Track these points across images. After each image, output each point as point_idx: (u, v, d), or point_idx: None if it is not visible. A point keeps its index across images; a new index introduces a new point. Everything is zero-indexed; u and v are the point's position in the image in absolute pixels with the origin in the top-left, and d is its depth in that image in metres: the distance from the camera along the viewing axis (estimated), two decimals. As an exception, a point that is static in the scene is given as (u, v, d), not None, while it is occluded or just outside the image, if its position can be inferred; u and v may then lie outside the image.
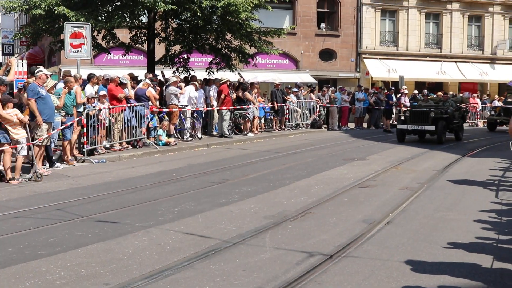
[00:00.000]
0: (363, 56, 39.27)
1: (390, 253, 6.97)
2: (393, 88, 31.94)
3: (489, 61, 42.69)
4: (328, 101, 28.04)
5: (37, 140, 12.62)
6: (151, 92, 17.99)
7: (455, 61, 41.39)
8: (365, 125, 29.67)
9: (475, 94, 37.38)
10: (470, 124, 34.03)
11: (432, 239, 7.64)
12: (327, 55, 39.04)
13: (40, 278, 5.97)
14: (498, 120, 29.53)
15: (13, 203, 9.88)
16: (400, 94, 29.38)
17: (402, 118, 21.45)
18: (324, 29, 39.01)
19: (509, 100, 31.13)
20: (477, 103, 35.23)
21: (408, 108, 22.22)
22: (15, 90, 15.82)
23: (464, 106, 26.97)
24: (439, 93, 29.91)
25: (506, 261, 6.68)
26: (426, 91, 29.41)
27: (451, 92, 29.22)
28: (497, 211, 9.52)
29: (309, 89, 28.56)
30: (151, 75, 19.83)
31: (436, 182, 12.50)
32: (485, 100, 36.85)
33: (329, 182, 12.21)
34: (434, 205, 9.97)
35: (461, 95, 33.31)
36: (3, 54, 48.09)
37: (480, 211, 9.45)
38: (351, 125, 29.13)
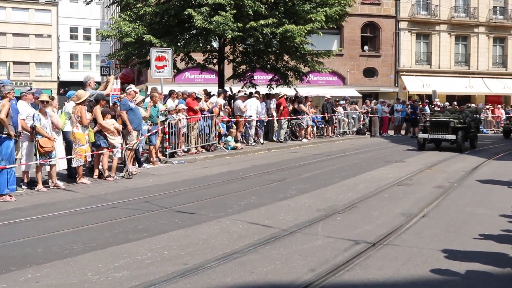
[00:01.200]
0: (401, 73, 38.88)
1: (425, 242, 6.82)
2: (423, 101, 31.17)
3: (512, 77, 41.70)
4: (370, 111, 27.90)
5: (128, 145, 12.91)
6: (216, 109, 18.09)
7: (482, 77, 40.61)
8: (402, 132, 29.20)
9: (499, 106, 36.51)
10: (495, 131, 33.10)
11: (462, 231, 7.45)
12: (369, 72, 38.68)
13: (132, 258, 6.10)
14: None
15: (110, 196, 10.14)
16: (433, 106, 28.79)
17: (423, 128, 19.81)
18: (367, 51, 38.71)
19: None
20: (501, 113, 34.24)
21: (428, 119, 20.25)
22: (110, 104, 16.22)
23: (478, 116, 25.78)
24: (471, 104, 29.06)
25: (530, 251, 6.47)
26: (447, 103, 28.13)
27: (468, 104, 28.13)
28: (521, 207, 9.21)
29: (351, 105, 28.39)
30: (222, 92, 19.99)
31: (466, 181, 12.16)
32: (508, 111, 35.74)
33: (372, 181, 12.04)
34: (464, 201, 9.71)
35: (475, 106, 32.24)
36: (101, 75, 49.48)
37: (505, 207, 9.14)
38: (391, 132, 28.77)
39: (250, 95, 21.09)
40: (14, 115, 9.96)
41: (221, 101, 18.86)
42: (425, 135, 19.39)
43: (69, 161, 11.88)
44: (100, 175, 12.29)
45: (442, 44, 39.78)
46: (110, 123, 12.19)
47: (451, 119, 19.14)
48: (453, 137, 18.78)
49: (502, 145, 22.73)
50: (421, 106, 29.10)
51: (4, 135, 9.77)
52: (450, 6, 39.62)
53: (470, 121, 20.33)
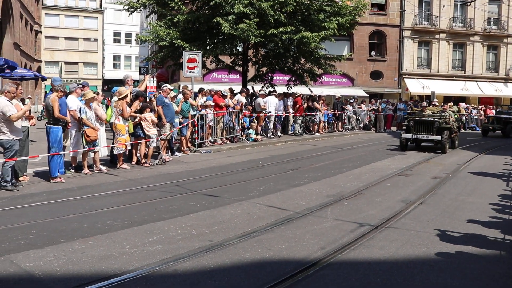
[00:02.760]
0: (404, 76, 38.59)
1: (422, 226, 6.75)
2: (419, 101, 30.85)
3: (503, 81, 41.30)
4: (376, 109, 27.75)
5: (162, 135, 12.98)
6: (237, 107, 18.07)
7: (476, 81, 40.19)
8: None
9: (491, 106, 36.09)
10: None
11: (455, 216, 7.36)
12: (376, 75, 38.40)
13: (164, 234, 6.14)
14: (491, 128, 26.09)
15: (145, 180, 10.20)
16: (431, 106, 28.41)
17: (406, 127, 16.79)
18: (374, 56, 38.38)
19: (500, 110, 29.14)
20: (492, 113, 33.71)
21: (412, 118, 16.91)
22: (147, 100, 16.30)
23: (460, 117, 24.77)
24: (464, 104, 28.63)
25: (516, 236, 6.38)
26: (424, 102, 27.19)
27: (450, 103, 27.18)
28: (507, 196, 9.08)
29: (359, 104, 28.24)
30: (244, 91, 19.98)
31: (459, 173, 11.99)
32: (498, 111, 35.11)
33: (376, 171, 11.95)
34: (457, 190, 9.58)
35: (458, 106, 31.58)
36: (140, 74, 49.77)
37: (494, 196, 9.03)
38: (394, 128, 28.49)
39: (269, 94, 21.07)
40: (63, 108, 10.08)
41: (243, 99, 18.84)
42: (409, 135, 16.57)
43: (112, 149, 12.01)
44: (138, 162, 12.38)
45: (441, 51, 39.39)
46: (147, 116, 12.24)
47: (435, 119, 16.34)
48: (438, 137, 16.04)
49: (492, 141, 22.38)
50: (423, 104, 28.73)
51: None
52: (449, 17, 39.14)
53: (453, 121, 17.72)
